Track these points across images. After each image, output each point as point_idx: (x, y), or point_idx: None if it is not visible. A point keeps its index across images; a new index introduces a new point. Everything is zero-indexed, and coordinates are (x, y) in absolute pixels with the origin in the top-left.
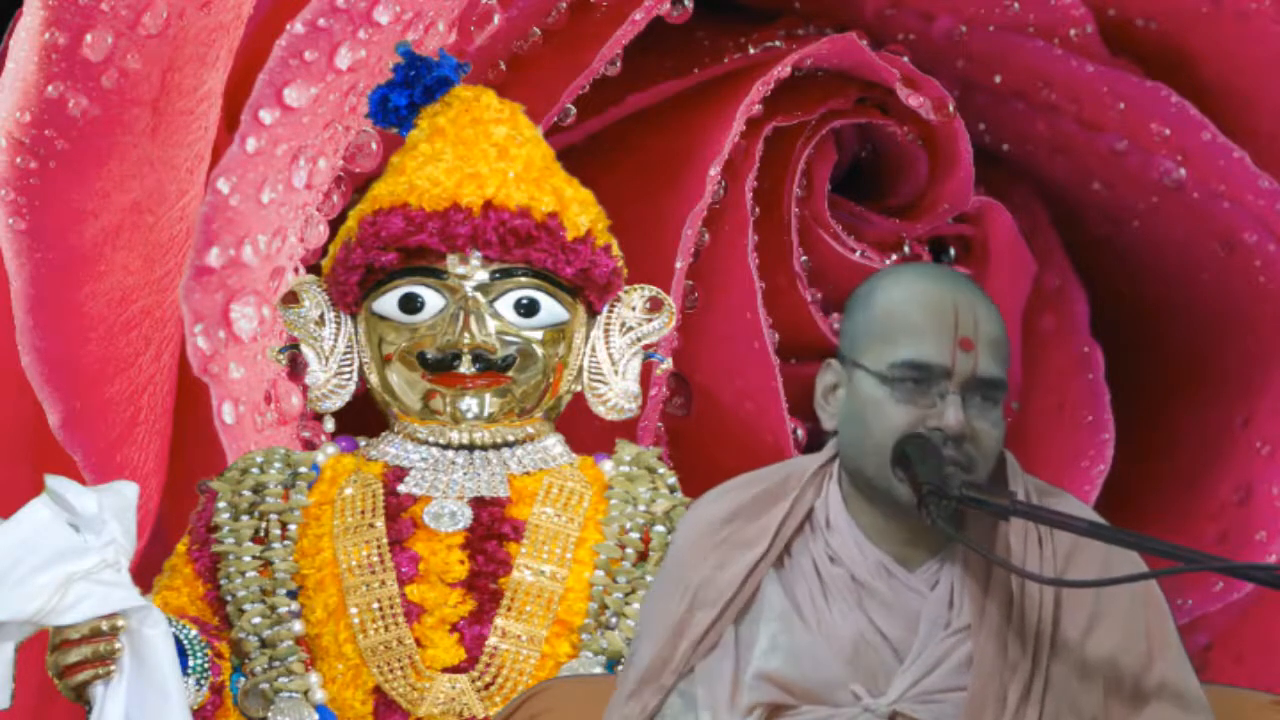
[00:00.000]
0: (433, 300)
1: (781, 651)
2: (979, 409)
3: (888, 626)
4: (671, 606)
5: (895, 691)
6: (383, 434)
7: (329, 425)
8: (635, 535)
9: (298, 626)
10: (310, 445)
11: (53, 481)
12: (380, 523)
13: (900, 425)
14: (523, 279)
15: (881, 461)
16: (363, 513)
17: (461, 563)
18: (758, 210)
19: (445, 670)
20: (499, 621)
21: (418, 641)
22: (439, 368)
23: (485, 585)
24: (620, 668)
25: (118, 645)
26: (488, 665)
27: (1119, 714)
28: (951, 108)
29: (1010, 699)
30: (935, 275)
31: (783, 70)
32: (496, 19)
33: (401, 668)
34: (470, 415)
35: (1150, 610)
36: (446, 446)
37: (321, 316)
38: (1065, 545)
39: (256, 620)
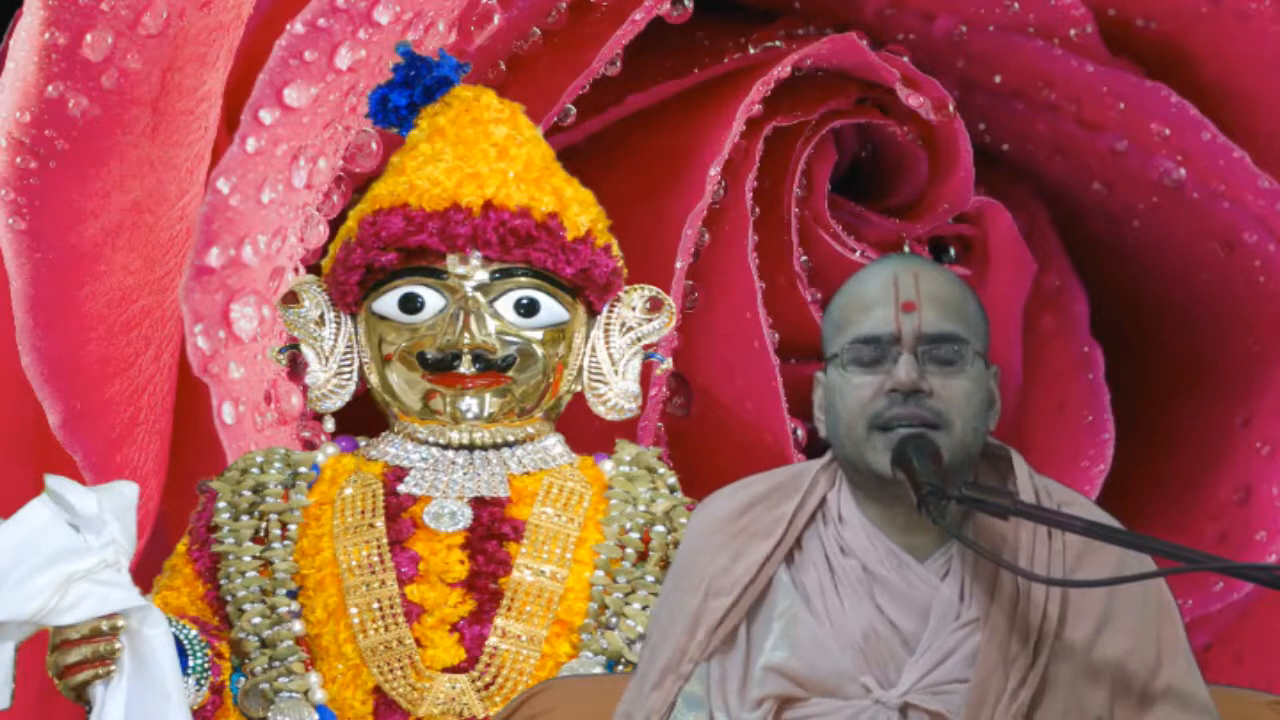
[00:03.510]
0: (433, 300)
1: (791, 644)
2: (938, 365)
3: (898, 617)
4: (687, 599)
5: (906, 683)
6: (383, 434)
7: (329, 425)
8: (635, 535)
9: (298, 626)
10: (310, 445)
11: (53, 481)
12: (380, 523)
13: (864, 397)
14: (523, 279)
15: (856, 439)
16: (363, 513)
17: (461, 563)
18: (758, 210)
19: (445, 670)
20: (499, 621)
21: (418, 641)
22: (439, 368)
23: (485, 585)
24: (634, 666)
25: (118, 645)
26: (488, 665)
27: (1124, 716)
28: (951, 108)
29: (1010, 691)
30: (880, 260)
31: (783, 70)
32: (496, 19)
33: (401, 668)
34: (470, 415)
35: (1162, 615)
36: (446, 446)
37: (321, 316)
38: (1076, 544)
39: (256, 620)
